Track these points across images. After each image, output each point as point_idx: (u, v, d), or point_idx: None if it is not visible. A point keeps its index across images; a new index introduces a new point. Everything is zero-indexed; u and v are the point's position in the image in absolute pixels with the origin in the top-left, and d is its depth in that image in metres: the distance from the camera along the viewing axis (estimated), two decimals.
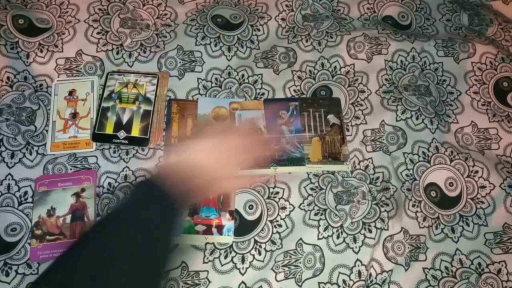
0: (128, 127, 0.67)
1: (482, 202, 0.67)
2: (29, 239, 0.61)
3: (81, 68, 0.71)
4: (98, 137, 0.66)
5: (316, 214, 0.64)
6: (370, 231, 0.64)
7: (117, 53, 0.73)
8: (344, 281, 0.61)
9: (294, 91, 0.74)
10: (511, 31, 0.82)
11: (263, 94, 0.73)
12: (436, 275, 0.63)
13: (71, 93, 0.69)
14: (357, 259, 0.62)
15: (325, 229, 0.63)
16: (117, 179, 0.65)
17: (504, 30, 0.82)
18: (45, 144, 0.66)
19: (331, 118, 0.71)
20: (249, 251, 0.62)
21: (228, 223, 0.63)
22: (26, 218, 0.62)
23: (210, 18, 0.77)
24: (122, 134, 0.66)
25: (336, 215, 0.64)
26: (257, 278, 0.61)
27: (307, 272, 0.61)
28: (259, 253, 0.62)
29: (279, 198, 0.65)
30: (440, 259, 0.63)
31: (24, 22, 0.72)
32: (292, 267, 0.61)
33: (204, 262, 0.61)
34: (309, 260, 0.62)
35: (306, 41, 0.77)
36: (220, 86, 0.73)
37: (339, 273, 0.62)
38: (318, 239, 0.63)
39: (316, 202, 0.65)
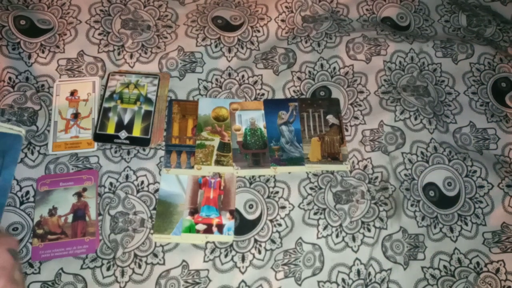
0: (129, 127, 0.67)
1: (481, 202, 0.68)
2: (30, 238, 0.61)
3: (82, 69, 0.72)
4: (100, 137, 0.67)
5: (315, 214, 0.65)
6: (369, 230, 0.64)
7: (119, 54, 0.73)
8: (343, 280, 0.62)
9: (294, 91, 0.74)
10: (509, 32, 0.83)
11: (263, 94, 0.73)
12: (434, 274, 0.63)
13: (72, 93, 0.70)
14: (356, 258, 0.63)
15: (325, 228, 0.64)
16: (118, 179, 0.65)
17: (503, 31, 0.83)
18: (46, 144, 0.66)
19: (330, 118, 0.71)
20: (249, 250, 0.62)
21: (229, 222, 0.63)
22: (28, 218, 0.62)
23: (210, 19, 0.77)
24: (123, 134, 0.67)
25: (335, 214, 0.65)
26: (257, 277, 0.61)
27: (306, 271, 0.62)
28: (259, 252, 0.62)
29: (279, 198, 0.66)
30: (438, 258, 0.64)
31: (25, 23, 0.72)
32: (292, 266, 0.62)
33: (204, 261, 0.61)
34: (309, 259, 0.62)
35: (306, 42, 0.77)
36: (221, 87, 0.73)
37: (339, 272, 0.62)
38: (318, 238, 0.63)
39: (316, 201, 0.65)
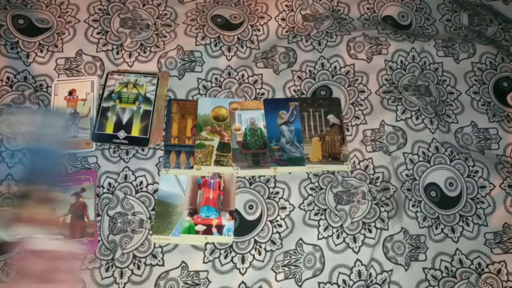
0: (128, 127, 0.67)
1: (482, 202, 0.67)
2: None
3: (81, 68, 0.71)
4: (98, 137, 0.66)
5: (316, 214, 0.64)
6: (370, 231, 0.64)
7: (117, 53, 0.73)
8: (344, 281, 0.61)
9: (294, 91, 0.74)
10: (511, 31, 0.82)
11: (263, 94, 0.73)
12: (436, 275, 0.63)
13: (71, 93, 0.69)
14: (357, 259, 0.62)
15: (325, 229, 0.63)
16: (117, 179, 0.65)
17: (504, 30, 0.82)
18: None
19: (331, 118, 0.71)
20: (249, 251, 0.62)
21: (228, 223, 0.63)
22: None
23: (210, 18, 0.77)
24: (122, 134, 0.66)
25: (336, 215, 0.64)
26: (257, 278, 0.61)
27: (307, 272, 0.61)
28: (259, 253, 0.62)
29: (279, 198, 0.65)
30: (440, 259, 0.63)
31: (24, 22, 0.72)
32: (292, 267, 0.61)
33: (204, 262, 0.61)
34: (309, 260, 0.62)
35: (306, 41, 0.77)
36: (220, 86, 0.73)
37: (339, 273, 0.62)
38: (318, 239, 0.63)
39: (316, 202, 0.65)
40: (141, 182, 0.65)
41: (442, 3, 0.84)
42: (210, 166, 0.66)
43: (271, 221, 0.64)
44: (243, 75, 0.74)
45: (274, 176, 0.67)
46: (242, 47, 0.76)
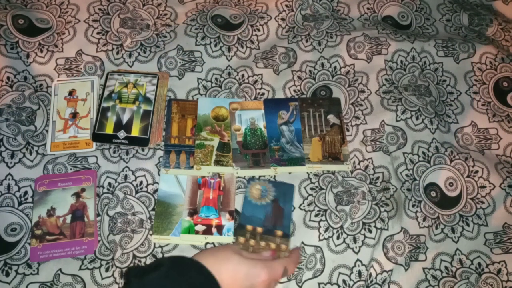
0: (128, 127, 0.67)
1: (482, 202, 0.67)
2: (29, 239, 0.61)
3: (81, 68, 0.71)
4: (98, 137, 0.66)
5: (316, 215, 0.64)
6: (370, 231, 0.64)
7: (117, 53, 0.73)
8: (344, 281, 0.61)
9: (294, 91, 0.74)
10: (511, 31, 0.82)
11: (263, 94, 0.73)
12: (436, 275, 0.63)
13: (71, 93, 0.69)
14: (357, 259, 0.62)
15: (326, 230, 0.63)
16: (117, 179, 0.65)
17: (504, 30, 0.82)
18: (45, 144, 0.66)
19: (331, 118, 0.71)
20: None
21: (228, 223, 0.63)
22: (26, 218, 0.62)
23: (210, 18, 0.77)
24: (122, 134, 0.66)
25: (336, 215, 0.64)
26: None
27: (307, 273, 0.61)
28: None
29: None
30: (440, 259, 0.63)
31: (24, 22, 0.72)
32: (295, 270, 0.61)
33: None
34: (310, 261, 0.62)
35: (306, 41, 0.77)
36: (220, 86, 0.73)
37: (339, 273, 0.62)
38: (319, 240, 0.63)
39: (317, 202, 0.65)
40: (141, 182, 0.65)
41: (442, 3, 0.84)
42: (210, 166, 0.66)
43: None
44: (243, 75, 0.74)
45: (274, 176, 0.67)
46: (242, 47, 0.76)
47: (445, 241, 0.64)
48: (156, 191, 0.65)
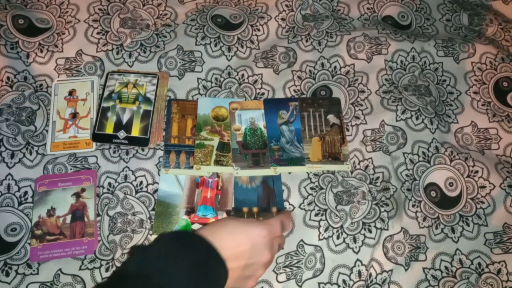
0: (128, 127, 0.67)
1: (482, 202, 0.67)
2: (29, 239, 0.61)
3: (81, 68, 0.71)
4: (98, 137, 0.66)
5: (316, 215, 0.64)
6: (370, 231, 0.64)
7: (117, 53, 0.73)
8: (344, 281, 0.61)
9: (294, 91, 0.73)
10: (511, 31, 0.82)
11: (263, 94, 0.73)
12: (436, 275, 0.63)
13: (71, 93, 0.69)
14: (357, 259, 0.62)
15: (326, 229, 0.63)
16: (117, 179, 0.65)
17: (504, 30, 0.82)
18: (45, 144, 0.66)
19: (331, 118, 0.71)
20: None
21: None
22: (26, 218, 0.62)
23: (210, 18, 0.77)
24: (122, 134, 0.66)
25: (336, 215, 0.64)
26: (259, 280, 0.60)
27: (307, 273, 0.61)
28: None
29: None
30: (440, 259, 0.63)
31: (24, 22, 0.72)
32: (294, 268, 0.61)
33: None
34: (310, 261, 0.62)
35: (306, 41, 0.77)
36: (220, 86, 0.73)
37: (339, 273, 0.62)
38: (319, 239, 0.63)
39: (317, 201, 0.65)
40: (141, 182, 0.65)
41: (442, 3, 0.84)
42: (210, 166, 0.66)
43: None
44: (243, 75, 0.74)
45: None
46: (242, 47, 0.76)
47: (445, 241, 0.64)
48: (156, 191, 0.65)
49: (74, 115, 0.68)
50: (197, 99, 0.71)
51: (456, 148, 0.70)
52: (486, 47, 0.78)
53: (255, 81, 0.74)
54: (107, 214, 0.62)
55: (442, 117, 0.73)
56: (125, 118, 0.67)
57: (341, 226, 0.64)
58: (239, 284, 0.50)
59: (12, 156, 0.64)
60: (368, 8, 0.82)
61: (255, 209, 0.63)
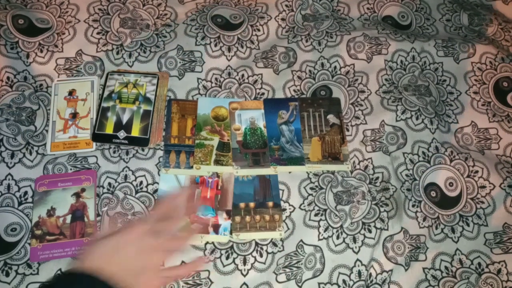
0: (128, 127, 0.67)
1: (482, 202, 0.67)
2: (29, 239, 0.61)
3: (81, 68, 0.71)
4: (98, 137, 0.66)
5: (316, 215, 0.64)
6: (370, 231, 0.64)
7: (117, 53, 0.73)
8: (344, 281, 0.61)
9: (294, 91, 0.73)
10: (511, 31, 0.82)
11: (263, 94, 0.73)
12: (436, 275, 0.63)
13: (71, 93, 0.69)
14: (357, 259, 0.62)
15: (326, 229, 0.63)
16: (117, 179, 0.65)
17: (504, 30, 0.82)
18: (45, 144, 0.66)
19: (331, 118, 0.71)
20: (251, 253, 0.62)
21: (225, 222, 0.63)
22: (26, 218, 0.62)
23: (210, 18, 0.77)
24: (122, 134, 0.66)
25: (336, 215, 0.64)
26: (260, 281, 0.60)
27: (307, 273, 0.61)
28: (261, 255, 0.62)
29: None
30: (440, 259, 0.63)
31: (24, 22, 0.72)
32: (294, 269, 0.61)
33: (204, 262, 0.61)
34: (310, 261, 0.62)
35: (306, 41, 0.77)
36: (220, 86, 0.73)
37: (339, 273, 0.62)
38: (319, 239, 0.63)
39: (316, 201, 0.65)
40: (141, 182, 0.65)
41: (442, 3, 0.84)
42: (210, 165, 0.66)
43: None
44: (243, 75, 0.74)
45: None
46: (242, 47, 0.76)
47: (445, 241, 0.64)
48: (156, 191, 0.65)
49: (74, 115, 0.68)
50: (197, 99, 0.71)
51: (456, 148, 0.70)
52: (486, 47, 0.78)
53: (255, 81, 0.74)
54: (107, 214, 0.62)
55: (442, 117, 0.73)
56: (125, 118, 0.67)
57: (341, 226, 0.64)
58: (138, 278, 0.46)
59: (12, 156, 0.64)
60: (368, 8, 0.82)
61: (252, 205, 0.64)
